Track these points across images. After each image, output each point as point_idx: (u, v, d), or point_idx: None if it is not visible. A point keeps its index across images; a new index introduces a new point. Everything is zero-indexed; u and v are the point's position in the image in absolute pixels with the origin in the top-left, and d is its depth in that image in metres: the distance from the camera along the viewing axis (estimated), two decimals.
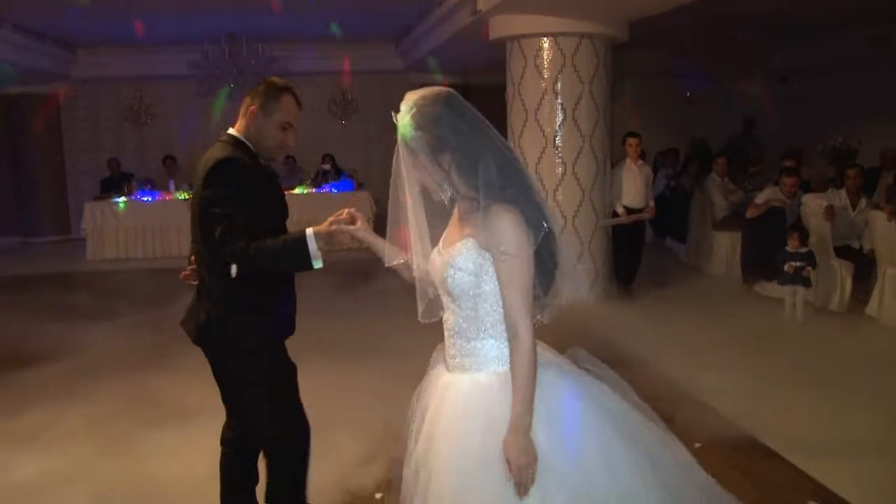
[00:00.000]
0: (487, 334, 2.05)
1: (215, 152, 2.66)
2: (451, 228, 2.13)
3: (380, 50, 12.85)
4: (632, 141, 7.56)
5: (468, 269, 2.01)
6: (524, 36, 7.21)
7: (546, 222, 2.03)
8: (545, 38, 7.13)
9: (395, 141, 2.05)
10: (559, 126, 7.22)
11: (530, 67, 7.22)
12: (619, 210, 7.54)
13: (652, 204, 7.70)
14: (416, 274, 2.14)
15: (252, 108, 2.72)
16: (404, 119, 2.01)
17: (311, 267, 2.50)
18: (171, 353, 5.47)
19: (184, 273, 2.94)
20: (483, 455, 1.94)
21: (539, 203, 2.06)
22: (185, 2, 8.82)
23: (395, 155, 2.05)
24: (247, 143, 2.73)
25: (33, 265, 10.77)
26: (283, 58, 12.27)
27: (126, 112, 13.32)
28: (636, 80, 12.62)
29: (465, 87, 13.32)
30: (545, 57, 7.15)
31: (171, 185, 11.38)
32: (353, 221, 2.49)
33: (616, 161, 7.82)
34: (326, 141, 13.42)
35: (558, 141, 7.23)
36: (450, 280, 2.03)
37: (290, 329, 2.89)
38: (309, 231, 2.49)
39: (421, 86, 2.17)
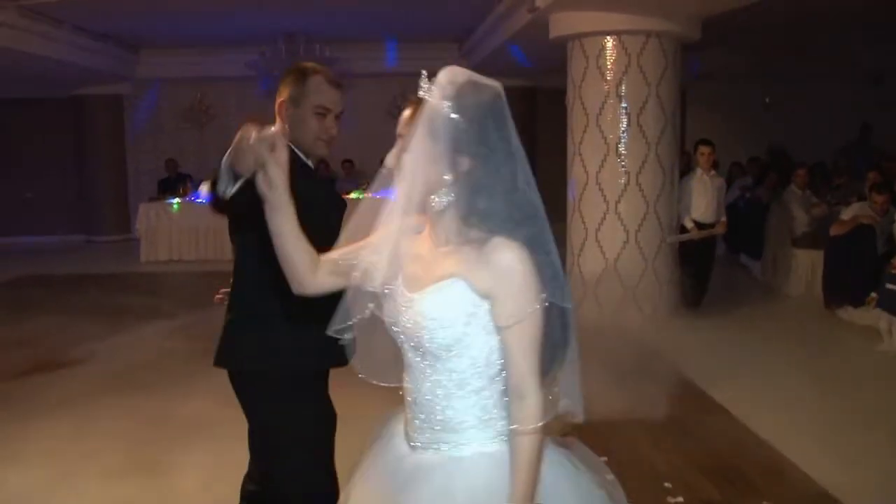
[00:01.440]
0: (471, 402, 1.56)
1: None
2: (419, 263, 1.60)
3: (443, 51, 12.45)
4: (704, 149, 6.97)
5: (456, 320, 1.50)
6: (586, 34, 6.70)
7: (563, 291, 1.53)
8: (608, 37, 6.61)
9: None
10: (623, 132, 6.68)
11: (592, 68, 6.71)
12: (688, 225, 6.95)
13: (724, 219, 7.08)
14: (355, 280, 1.60)
15: (280, 101, 2.35)
16: (446, 93, 1.54)
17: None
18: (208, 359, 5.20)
19: (217, 296, 2.58)
20: None
21: (557, 266, 1.54)
22: (244, 2, 8.63)
23: (407, 137, 1.56)
24: (292, 146, 2.25)
25: (91, 264, 10.84)
26: (344, 59, 12.07)
27: (186, 113, 13.32)
28: (708, 84, 11.92)
29: (532, 91, 12.89)
30: (608, 57, 6.63)
31: None
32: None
33: (685, 171, 7.24)
34: (385, 145, 13.07)
35: (621, 148, 6.70)
36: (427, 336, 1.52)
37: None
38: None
39: None
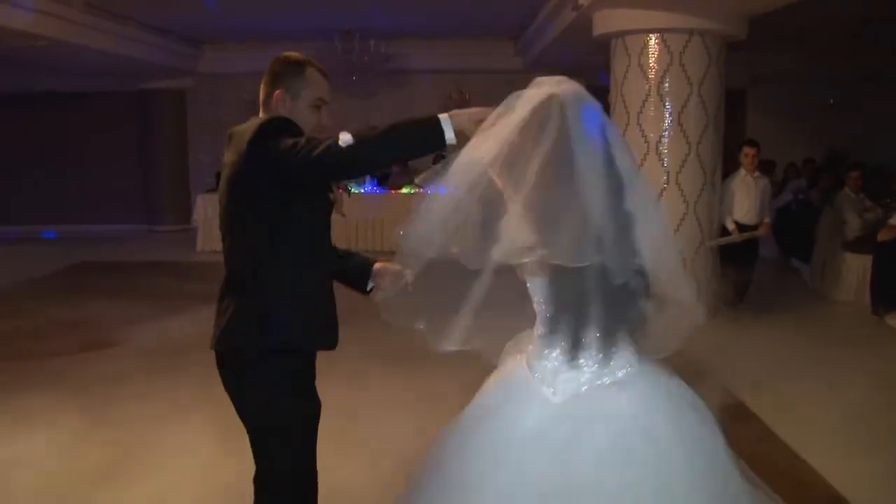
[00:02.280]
0: None
1: (251, 122, 2.26)
2: None
3: (498, 48, 12.51)
4: (749, 150, 6.82)
5: None
6: (628, 32, 6.65)
7: None
8: (651, 35, 6.55)
9: None
10: (664, 131, 6.61)
11: (634, 67, 6.66)
12: (730, 226, 6.83)
13: (767, 220, 6.92)
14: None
15: (276, 93, 2.33)
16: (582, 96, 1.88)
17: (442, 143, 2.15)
18: None
19: None
20: None
21: None
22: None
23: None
24: None
25: (151, 252, 11.28)
26: (399, 55, 12.22)
27: (247, 106, 13.60)
28: (767, 84, 11.64)
29: (589, 91, 12.74)
30: (650, 55, 6.57)
31: None
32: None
33: (729, 172, 7.11)
34: None
35: (662, 147, 6.63)
36: None
37: (322, 338, 2.39)
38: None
39: None
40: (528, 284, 1.99)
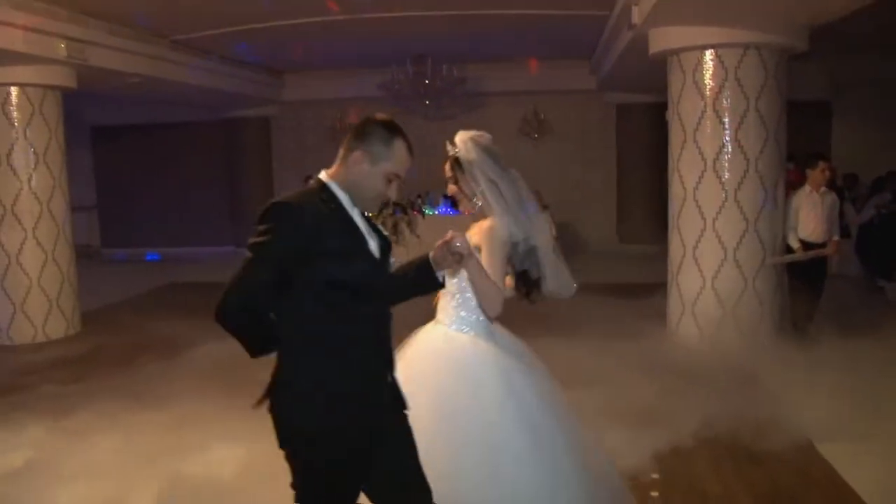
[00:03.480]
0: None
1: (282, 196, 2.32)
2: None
3: (573, 68, 12.51)
4: (823, 165, 6.45)
5: None
6: (683, 49, 6.59)
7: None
8: (706, 51, 6.47)
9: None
10: (721, 147, 6.50)
11: (689, 83, 6.59)
12: (794, 244, 6.54)
13: (836, 237, 6.61)
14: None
15: (356, 154, 2.32)
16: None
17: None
18: None
19: None
20: None
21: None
22: (378, 26, 9.13)
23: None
24: (339, 192, 2.33)
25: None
26: (473, 78, 12.42)
27: (328, 132, 14.14)
28: (852, 93, 11.17)
29: (662, 106, 12.57)
30: (705, 71, 6.49)
31: None
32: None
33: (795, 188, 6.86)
34: (516, 163, 13.12)
35: (719, 164, 6.52)
36: None
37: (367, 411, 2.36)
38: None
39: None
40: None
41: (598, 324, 7.17)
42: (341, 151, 2.38)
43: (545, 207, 12.01)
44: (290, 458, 2.33)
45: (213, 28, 8.63)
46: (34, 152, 7.49)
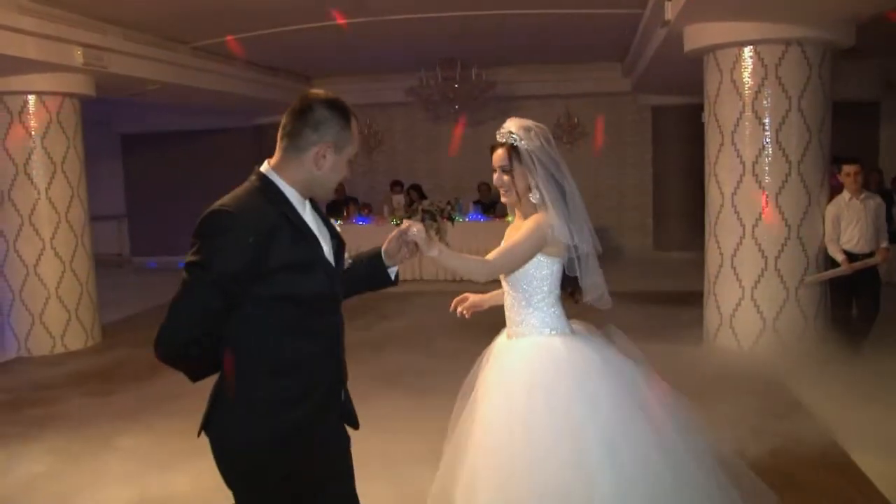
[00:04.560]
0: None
1: (219, 202, 2.02)
2: None
3: (606, 70, 12.16)
4: (849, 169, 5.97)
5: None
6: (719, 46, 6.22)
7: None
8: (744, 48, 6.09)
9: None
10: (760, 150, 6.11)
11: (726, 82, 6.21)
12: (838, 257, 6.02)
13: (885, 245, 6.12)
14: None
15: (318, 148, 2.04)
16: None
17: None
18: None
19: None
20: None
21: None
22: (404, 28, 8.91)
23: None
24: (286, 187, 2.06)
25: None
26: (504, 82, 12.13)
27: (359, 137, 13.96)
28: None
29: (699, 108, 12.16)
30: (743, 69, 6.10)
31: (386, 210, 11.66)
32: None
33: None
34: None
35: (759, 168, 6.12)
36: None
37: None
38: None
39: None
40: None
41: (629, 333, 6.88)
42: (284, 142, 2.08)
43: None
44: (233, 483, 2.08)
45: (235, 33, 8.47)
46: (51, 161, 7.37)
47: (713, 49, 6.30)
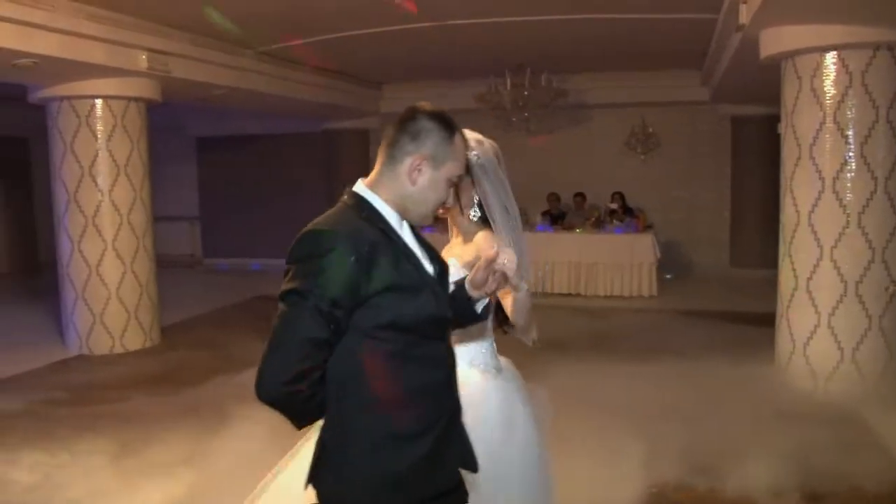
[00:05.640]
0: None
1: (311, 223, 1.90)
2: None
3: (683, 78, 11.66)
4: None
5: None
6: (798, 52, 5.77)
7: None
8: (826, 53, 5.63)
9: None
10: (842, 165, 5.63)
11: (805, 91, 5.76)
12: None
13: None
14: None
15: (413, 160, 1.89)
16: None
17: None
18: None
19: None
20: None
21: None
22: (473, 33, 8.74)
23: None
24: (384, 207, 1.91)
25: None
26: (576, 90, 11.81)
27: None
28: None
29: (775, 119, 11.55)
30: (825, 77, 5.64)
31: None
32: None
33: None
34: (622, 178, 12.53)
35: (840, 184, 5.65)
36: None
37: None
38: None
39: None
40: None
41: (698, 354, 6.74)
42: (383, 156, 1.95)
43: (648, 227, 11.25)
44: None
45: (301, 38, 8.44)
46: (115, 164, 7.48)
47: (791, 55, 5.85)
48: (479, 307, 2.10)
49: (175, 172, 14.11)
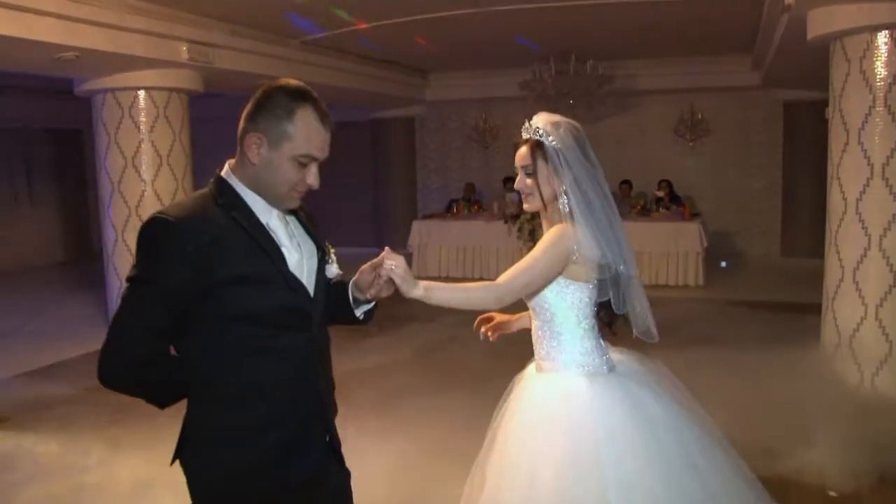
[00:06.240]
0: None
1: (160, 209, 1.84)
2: None
3: (733, 63, 11.33)
4: None
5: None
6: (847, 32, 5.52)
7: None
8: (877, 33, 5.37)
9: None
10: (892, 151, 5.39)
11: (854, 73, 5.52)
12: None
13: None
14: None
15: (249, 137, 1.80)
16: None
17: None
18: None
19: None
20: None
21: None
22: (517, 19, 8.61)
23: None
24: (245, 191, 1.85)
25: None
26: (623, 76, 11.58)
27: (472, 133, 13.77)
28: None
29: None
30: (875, 58, 5.39)
31: (496, 208, 11.43)
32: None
33: None
34: (670, 166, 12.28)
35: (891, 171, 5.40)
36: None
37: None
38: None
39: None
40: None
41: (743, 345, 6.59)
42: (238, 132, 1.83)
43: (696, 215, 11.00)
44: None
45: (346, 27, 8.41)
46: (158, 154, 7.62)
47: (840, 35, 5.60)
48: (360, 312, 2.03)
49: (221, 163, 14.32)
